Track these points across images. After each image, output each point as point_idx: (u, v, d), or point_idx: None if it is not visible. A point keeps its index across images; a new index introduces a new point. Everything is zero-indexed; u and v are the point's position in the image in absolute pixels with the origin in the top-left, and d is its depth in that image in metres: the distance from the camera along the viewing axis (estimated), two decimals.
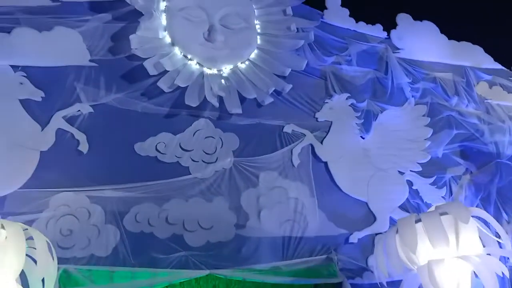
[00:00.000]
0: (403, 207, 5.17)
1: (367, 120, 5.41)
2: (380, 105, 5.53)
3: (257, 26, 5.30)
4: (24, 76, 4.26)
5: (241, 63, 5.10)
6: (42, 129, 4.21)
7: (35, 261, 3.18)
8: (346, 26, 5.72)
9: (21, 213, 3.90)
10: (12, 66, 4.25)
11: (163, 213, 4.38)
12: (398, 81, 5.68)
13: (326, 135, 5.20)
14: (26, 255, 3.12)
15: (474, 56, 6.19)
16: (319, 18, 5.58)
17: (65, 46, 4.47)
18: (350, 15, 5.74)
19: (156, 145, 4.54)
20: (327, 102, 5.33)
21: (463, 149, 5.75)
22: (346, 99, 5.37)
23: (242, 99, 4.94)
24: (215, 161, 4.69)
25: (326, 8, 5.66)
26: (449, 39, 6.10)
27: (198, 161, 4.64)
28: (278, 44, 5.30)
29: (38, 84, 4.30)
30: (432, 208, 4.16)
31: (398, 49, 5.85)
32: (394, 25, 5.88)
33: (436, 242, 3.73)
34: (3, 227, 2.96)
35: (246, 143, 4.85)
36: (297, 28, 5.40)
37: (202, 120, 4.78)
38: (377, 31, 5.84)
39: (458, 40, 6.16)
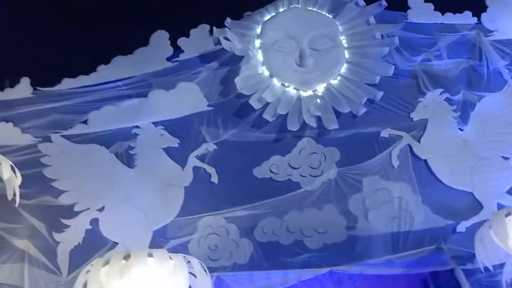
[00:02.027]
0: (511, 192, 5.27)
1: (464, 111, 5.55)
2: (477, 94, 5.60)
3: (343, 41, 5.76)
4: (162, 129, 5.42)
5: (333, 79, 5.65)
6: (183, 169, 5.35)
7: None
8: (432, 21, 5.83)
9: (179, 236, 5.10)
10: (153, 123, 5.43)
11: (284, 224, 5.26)
12: (494, 65, 5.66)
13: (423, 133, 5.51)
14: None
15: None
16: (403, 20, 5.80)
17: (187, 98, 5.52)
18: (434, 9, 5.82)
19: (270, 167, 5.41)
20: (420, 101, 5.61)
21: None
22: (440, 94, 5.57)
23: (338, 114, 5.52)
24: (321, 174, 5.39)
25: (409, 8, 5.83)
26: None
27: (306, 176, 5.39)
28: (365, 54, 5.70)
29: (173, 133, 5.43)
30: None
31: (491, 31, 5.77)
32: (483, 8, 5.79)
33: None
34: (171, 258, 4.07)
35: (347, 154, 5.45)
36: (382, 35, 5.72)
37: (304, 140, 5.50)
38: (466, 18, 5.83)
39: None
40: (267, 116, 5.46)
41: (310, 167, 5.42)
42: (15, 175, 4.25)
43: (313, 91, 5.60)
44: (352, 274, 5.23)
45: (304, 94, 5.60)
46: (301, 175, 5.39)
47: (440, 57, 5.71)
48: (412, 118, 5.59)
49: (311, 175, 5.39)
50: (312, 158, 5.45)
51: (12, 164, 4.22)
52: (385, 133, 5.51)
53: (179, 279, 3.81)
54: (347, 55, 5.72)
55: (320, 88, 5.62)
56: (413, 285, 5.28)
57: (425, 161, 5.44)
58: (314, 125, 5.45)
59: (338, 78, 5.65)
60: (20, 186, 4.31)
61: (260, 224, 5.22)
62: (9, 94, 5.38)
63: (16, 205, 4.38)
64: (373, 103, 5.60)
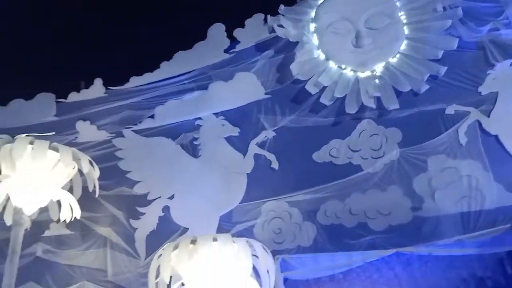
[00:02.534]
0: None
1: None
2: None
3: (402, 17, 5.57)
4: (223, 119, 5.64)
5: (392, 58, 5.50)
6: (244, 157, 5.54)
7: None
8: None
9: (244, 221, 5.32)
10: (214, 114, 5.67)
11: (346, 207, 5.27)
12: None
13: (493, 107, 5.20)
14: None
15: None
16: None
17: (245, 87, 5.69)
18: None
19: (329, 151, 5.42)
20: (489, 73, 5.29)
21: None
22: (510, 65, 5.21)
23: (398, 93, 5.37)
24: (383, 155, 5.31)
25: None
26: None
27: (367, 158, 5.34)
28: (427, 28, 5.48)
29: (234, 122, 5.63)
30: None
31: None
32: None
33: None
34: (234, 241, 4.26)
35: (409, 133, 5.30)
36: (444, 7, 5.45)
37: (364, 122, 5.43)
38: None
39: None
40: (325, 100, 5.46)
41: (371, 149, 5.35)
42: (94, 169, 4.70)
43: (371, 72, 5.50)
44: (422, 255, 5.13)
45: (361, 75, 5.52)
46: (362, 158, 5.35)
47: (509, 26, 5.32)
48: (480, 92, 5.29)
49: (372, 157, 5.33)
50: (373, 139, 5.38)
51: (90, 159, 4.66)
52: (450, 109, 5.28)
53: (242, 261, 4.00)
54: (406, 31, 5.53)
55: (379, 68, 5.50)
56: (489, 265, 5.07)
57: (496, 136, 5.14)
58: (374, 106, 5.36)
59: (397, 56, 5.50)
60: (99, 179, 4.76)
61: (322, 208, 5.28)
62: (85, 94, 5.87)
63: (96, 196, 4.84)
64: (436, 79, 5.38)
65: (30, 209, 4.35)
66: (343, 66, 5.56)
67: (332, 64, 5.59)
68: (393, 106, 5.33)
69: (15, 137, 4.39)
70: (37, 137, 4.39)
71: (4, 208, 4.40)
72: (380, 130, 5.37)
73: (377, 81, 5.45)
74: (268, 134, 5.56)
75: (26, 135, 4.40)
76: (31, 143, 4.31)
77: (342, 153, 5.39)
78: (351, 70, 5.54)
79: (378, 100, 5.39)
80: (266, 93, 5.66)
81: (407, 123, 5.33)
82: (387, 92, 5.38)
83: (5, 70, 6.05)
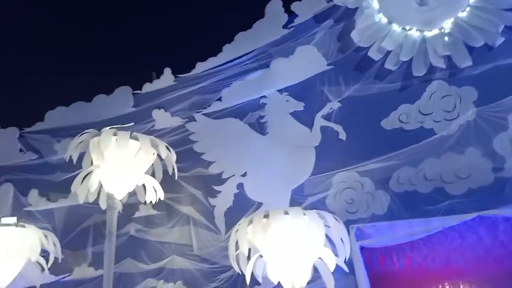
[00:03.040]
0: None
1: None
2: None
3: None
4: (287, 95, 5.71)
5: (461, 12, 5.15)
6: (311, 130, 5.59)
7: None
8: None
9: (316, 193, 5.41)
10: (278, 90, 5.75)
11: (420, 172, 5.14)
12: None
13: None
14: None
15: None
16: None
17: (307, 61, 5.68)
18: None
19: (399, 117, 5.28)
20: None
21: None
22: None
23: (470, 49, 5.05)
24: (457, 117, 5.06)
25: None
26: None
27: (440, 121, 5.13)
28: None
29: (298, 97, 5.68)
30: None
31: None
32: None
33: None
34: (305, 214, 4.37)
35: (485, 91, 4.99)
36: None
37: (434, 83, 5.19)
38: None
39: None
40: (389, 65, 5.29)
41: (444, 111, 5.14)
42: (171, 153, 5.07)
43: (439, 29, 5.22)
44: (507, 217, 4.89)
45: (428, 34, 5.25)
46: (434, 121, 5.16)
47: None
48: None
49: (445, 119, 5.12)
50: (445, 101, 5.14)
51: (167, 145, 5.03)
52: None
53: (314, 232, 4.10)
54: None
55: (447, 25, 5.20)
56: None
57: None
58: (444, 66, 5.10)
59: (467, 9, 5.14)
60: (177, 162, 5.11)
61: (394, 175, 5.20)
62: (157, 84, 6.24)
63: (176, 178, 5.23)
64: None
65: (120, 194, 4.82)
66: (407, 27, 5.32)
67: (396, 27, 5.38)
68: (466, 64, 5.03)
69: (101, 130, 4.85)
70: (119, 129, 4.83)
71: (98, 194, 4.92)
72: (453, 90, 5.12)
73: (446, 38, 5.17)
74: (333, 105, 5.54)
75: (110, 128, 4.84)
76: (115, 134, 4.74)
77: (412, 118, 5.23)
78: (417, 30, 5.30)
79: (448, 59, 5.12)
80: (328, 64, 5.62)
81: (482, 80, 5.02)
82: (458, 50, 5.08)
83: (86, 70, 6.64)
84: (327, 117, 5.56)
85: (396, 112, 5.29)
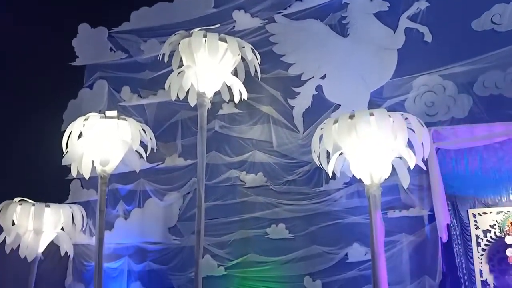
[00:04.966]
0: None
1: None
2: None
3: None
4: None
5: None
6: (394, 32, 5.48)
7: None
8: None
9: (395, 96, 5.46)
10: None
11: (508, 76, 5.02)
12: None
13: None
14: None
15: None
16: None
17: None
18: None
19: (491, 18, 5.03)
20: None
21: None
22: None
23: None
24: None
25: None
26: None
27: None
28: None
29: None
30: None
31: None
32: None
33: None
34: (390, 115, 4.53)
35: None
36: None
37: None
38: None
39: None
40: None
41: None
42: (256, 56, 5.26)
43: None
44: None
45: None
46: None
47: None
48: None
49: None
50: None
51: (252, 47, 5.20)
52: None
53: (398, 133, 4.30)
54: None
55: None
56: None
57: None
58: None
59: None
60: (259, 63, 5.34)
61: (480, 79, 5.12)
62: None
63: (259, 79, 5.49)
64: None
65: (210, 92, 5.19)
66: None
67: None
68: None
69: (191, 32, 5.08)
70: (207, 30, 5.02)
71: (187, 93, 5.31)
72: None
73: None
74: (420, 5, 5.35)
75: (199, 29, 5.05)
76: (205, 36, 4.96)
77: (506, 19, 4.97)
78: None
79: None
80: None
81: None
82: None
83: None
84: (413, 18, 5.40)
85: (489, 12, 5.04)
